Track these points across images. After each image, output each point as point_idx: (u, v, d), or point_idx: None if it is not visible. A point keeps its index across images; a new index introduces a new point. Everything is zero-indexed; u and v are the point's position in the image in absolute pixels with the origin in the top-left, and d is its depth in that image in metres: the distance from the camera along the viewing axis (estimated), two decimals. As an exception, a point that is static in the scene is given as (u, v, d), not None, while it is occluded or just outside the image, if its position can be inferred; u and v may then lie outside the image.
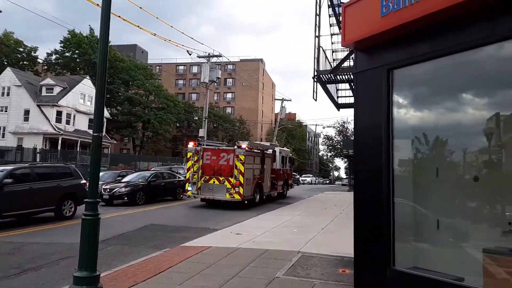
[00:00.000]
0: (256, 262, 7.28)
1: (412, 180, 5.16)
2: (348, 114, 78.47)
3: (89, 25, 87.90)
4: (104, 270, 6.50)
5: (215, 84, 49.13)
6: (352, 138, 50.80)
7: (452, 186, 4.82)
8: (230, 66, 79.35)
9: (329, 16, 17.02)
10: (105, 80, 5.86)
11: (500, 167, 4.38)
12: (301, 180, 61.60)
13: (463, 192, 4.68)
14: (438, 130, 4.90)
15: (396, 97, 5.08)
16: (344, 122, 64.72)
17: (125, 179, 19.91)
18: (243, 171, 17.52)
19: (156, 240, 9.76)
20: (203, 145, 19.41)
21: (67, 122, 41.62)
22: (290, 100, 71.23)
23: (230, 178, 17.55)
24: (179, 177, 22.58)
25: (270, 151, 22.41)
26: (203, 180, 18.06)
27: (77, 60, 54.46)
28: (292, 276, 6.43)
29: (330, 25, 17.63)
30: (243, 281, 6.13)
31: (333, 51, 17.69)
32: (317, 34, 14.97)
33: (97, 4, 14.28)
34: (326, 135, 73.69)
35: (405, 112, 5.24)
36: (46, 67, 57.34)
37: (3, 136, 41.35)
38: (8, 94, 41.69)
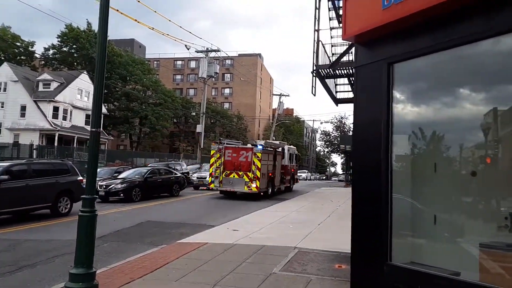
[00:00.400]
0: (253, 258, 7.27)
1: (410, 175, 5.14)
2: (346, 109, 78.87)
3: (87, 19, 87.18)
4: (100, 267, 6.47)
5: (213, 79, 49.12)
6: (350, 134, 51.07)
7: (450, 181, 4.80)
8: (228, 61, 79.14)
9: (329, 9, 16.91)
10: (104, 75, 5.82)
11: (498, 162, 4.37)
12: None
13: (461, 187, 4.67)
14: (437, 125, 4.88)
15: (396, 91, 5.05)
16: (341, 118, 64.93)
17: (121, 176, 19.87)
18: (259, 167, 20.02)
19: (152, 237, 9.74)
20: (224, 144, 21.54)
21: (64, 118, 41.46)
22: (288, 96, 71.62)
23: (248, 173, 20.04)
24: (176, 174, 22.53)
25: (280, 149, 24.90)
26: (224, 175, 20.45)
27: (75, 55, 54.25)
28: (289, 271, 6.43)
29: (330, 19, 17.53)
30: (240, 277, 6.12)
31: (332, 45, 17.61)
32: (316, 28, 14.88)
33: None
34: (323, 130, 73.77)
35: (404, 107, 5.20)
36: (43, 62, 57.13)
37: (-1, 132, 41.25)
38: (4, 90, 41.52)
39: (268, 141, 27.83)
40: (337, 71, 16.37)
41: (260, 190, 20.26)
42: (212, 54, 39.34)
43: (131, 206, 15.88)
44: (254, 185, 19.92)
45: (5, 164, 12.32)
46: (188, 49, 33.88)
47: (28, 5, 61.10)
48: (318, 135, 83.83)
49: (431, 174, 4.93)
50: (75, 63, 53.77)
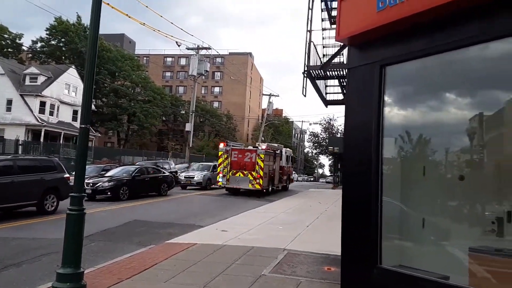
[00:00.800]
0: (242, 259, 7.25)
1: (399, 179, 5.18)
2: (335, 111, 78.86)
3: (77, 12, 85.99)
4: (88, 267, 6.38)
5: (203, 77, 48.82)
6: (338, 135, 51.43)
7: (439, 185, 4.86)
8: (218, 59, 78.88)
9: (321, 10, 16.96)
10: (94, 70, 5.76)
11: (485, 166, 4.43)
12: None
13: (449, 191, 4.72)
14: (427, 129, 4.93)
15: (388, 94, 5.08)
16: (330, 119, 65.26)
17: (108, 174, 19.64)
18: (262, 167, 22.56)
19: (140, 237, 9.64)
20: (231, 146, 24.30)
21: (51, 114, 40.76)
22: (278, 96, 71.47)
23: (252, 172, 22.57)
24: (164, 173, 22.37)
25: (278, 151, 27.43)
26: (231, 174, 22.99)
27: (63, 48, 53.41)
28: (278, 273, 6.42)
29: (322, 20, 17.58)
30: (230, 279, 6.09)
31: (323, 47, 17.67)
32: (309, 29, 14.91)
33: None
34: (312, 132, 74.06)
35: (395, 110, 5.24)
36: (30, 55, 56.11)
37: (-16, 127, 40.40)
38: (-10, 83, 40.67)
39: (269, 144, 30.15)
40: (328, 73, 16.44)
41: (262, 188, 22.69)
42: (203, 52, 39.18)
43: (118, 205, 15.72)
44: (257, 183, 22.43)
45: (-10, 160, 12.08)
46: (179, 45, 33.63)
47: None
48: (306, 136, 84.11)
49: (420, 177, 4.98)
50: (63, 57, 52.95)
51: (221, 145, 24.26)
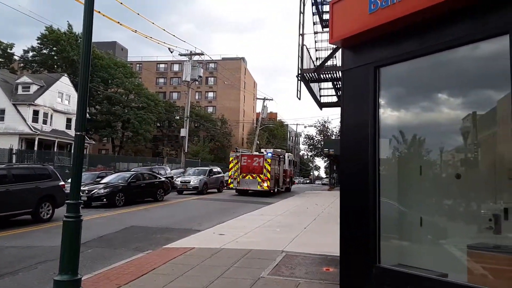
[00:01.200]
0: (240, 262, 7.23)
1: (396, 179, 5.21)
2: (329, 114, 79.63)
3: (67, 21, 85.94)
4: (85, 274, 6.32)
5: (197, 83, 48.92)
6: (333, 138, 51.66)
7: (435, 184, 4.89)
8: (211, 65, 78.99)
9: (313, 14, 17.08)
10: (88, 78, 5.75)
11: (480, 164, 4.47)
12: None
13: (446, 190, 4.75)
14: (421, 129, 4.96)
15: (383, 95, 5.11)
16: (325, 122, 65.39)
17: (104, 180, 19.51)
18: (269, 170, 25.37)
19: (137, 242, 9.59)
20: (240, 152, 27.53)
21: (44, 122, 40.54)
22: (272, 100, 71.30)
23: (260, 175, 25.34)
24: (160, 178, 22.27)
25: (282, 156, 30.45)
26: (241, 177, 25.81)
27: (55, 57, 53.21)
28: (277, 275, 6.41)
29: (314, 23, 17.70)
30: (228, 282, 6.07)
31: (316, 50, 17.77)
32: (301, 32, 15.00)
33: (81, 1, 13.99)
34: (307, 134, 74.14)
35: (389, 111, 5.27)
36: (22, 64, 55.79)
37: (-23, 136, 40.05)
38: (-18, 93, 40.38)
39: (275, 149, 32.27)
40: (321, 75, 16.52)
41: (270, 189, 25.38)
42: (196, 58, 39.22)
43: (114, 211, 15.63)
44: (265, 184, 25.21)
45: (-16, 169, 11.98)
46: (171, 52, 33.67)
47: (7, 6, 59.78)
48: (301, 139, 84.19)
49: (416, 177, 5.01)
50: (55, 66, 52.72)
51: (232, 153, 27.75)
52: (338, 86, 17.50)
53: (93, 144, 52.10)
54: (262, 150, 30.75)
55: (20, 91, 40.56)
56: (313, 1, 16.26)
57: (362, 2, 4.94)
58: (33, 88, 40.72)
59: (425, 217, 4.77)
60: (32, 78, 42.13)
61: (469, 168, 4.54)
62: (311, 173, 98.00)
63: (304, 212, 15.81)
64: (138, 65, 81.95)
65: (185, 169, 33.53)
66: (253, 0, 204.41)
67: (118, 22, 22.93)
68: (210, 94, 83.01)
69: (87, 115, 38.57)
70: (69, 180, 16.27)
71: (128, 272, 6.59)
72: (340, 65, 12.73)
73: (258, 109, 66.69)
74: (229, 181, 26.74)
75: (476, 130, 4.42)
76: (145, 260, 7.44)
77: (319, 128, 66.29)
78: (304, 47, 15.40)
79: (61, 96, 43.22)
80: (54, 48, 51.96)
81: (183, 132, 38.97)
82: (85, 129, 5.84)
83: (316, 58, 17.39)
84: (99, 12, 18.06)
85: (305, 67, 15.48)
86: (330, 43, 6.25)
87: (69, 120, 43.79)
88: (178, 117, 59.63)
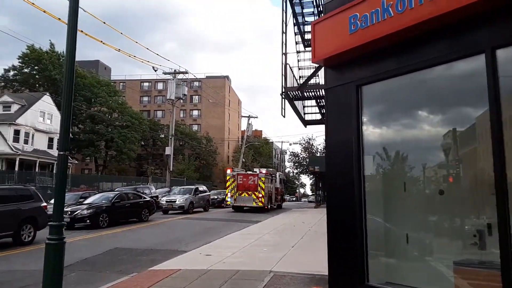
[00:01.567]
0: (229, 283, 7.14)
1: (381, 196, 5.26)
2: (314, 131, 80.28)
3: (49, 40, 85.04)
4: (68, 298, 6.16)
5: (181, 101, 48.87)
6: (318, 155, 51.91)
7: (420, 200, 4.95)
8: (196, 83, 79.15)
9: (295, 34, 17.42)
10: (72, 97, 5.73)
11: (462, 180, 4.56)
12: None
13: (430, 206, 4.81)
14: (404, 145, 5.05)
15: (365, 113, 5.20)
16: (309, 139, 65.74)
17: (87, 201, 19.13)
18: (264, 188, 27.69)
19: (122, 264, 9.38)
20: (236, 172, 29.42)
21: (25, 142, 39.79)
22: (257, 117, 71.66)
23: (255, 192, 27.52)
24: (144, 198, 21.97)
25: (274, 174, 33.07)
26: (237, 194, 27.85)
27: (37, 76, 52.54)
28: (266, 296, 6.33)
29: (296, 43, 18.04)
30: (216, 304, 5.97)
31: (299, 68, 18.05)
32: (284, 51, 15.24)
33: (64, 22, 14.05)
34: (292, 152, 74.31)
35: (371, 128, 5.36)
36: (3, 83, 54.97)
37: (-45, 157, 38.98)
38: (-39, 113, 39.53)
39: (269, 169, 35.33)
40: (305, 93, 16.73)
41: (264, 205, 27.51)
42: (180, 76, 39.31)
43: (98, 233, 15.30)
44: (260, 201, 27.27)
45: (-37, 191, 11.65)
46: (155, 70, 33.72)
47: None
48: (287, 157, 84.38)
49: (401, 193, 5.07)
50: (37, 85, 52.06)
51: (228, 171, 29.56)
52: (322, 104, 17.75)
53: (75, 163, 51.23)
54: (255, 169, 32.12)
55: (0, 111, 39.85)
56: (294, 22, 16.61)
57: (342, 22, 5.08)
58: (14, 107, 40.08)
59: (411, 233, 4.81)
60: (13, 97, 41.50)
61: (451, 184, 4.62)
62: (297, 191, 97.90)
63: (291, 230, 15.75)
64: (121, 83, 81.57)
65: (170, 188, 33.17)
66: (235, 21, 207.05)
67: (101, 41, 22.95)
68: (195, 112, 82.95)
69: (70, 135, 37.96)
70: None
71: (113, 296, 6.43)
72: (323, 83, 12.96)
73: (243, 127, 66.88)
74: (226, 198, 29.38)
75: (457, 146, 4.53)
76: (130, 283, 7.28)
77: (304, 145, 66.60)
78: (287, 65, 15.62)
79: (43, 115, 42.61)
80: (36, 67, 51.35)
81: (168, 150, 38.72)
82: (68, 148, 5.78)
83: (300, 77, 17.65)
84: (81, 31, 18.02)
85: (288, 85, 15.68)
86: (312, 62, 6.37)
87: (51, 140, 43.09)
88: (163, 136, 59.18)
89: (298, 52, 18.12)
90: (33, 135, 40.88)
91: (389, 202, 5.16)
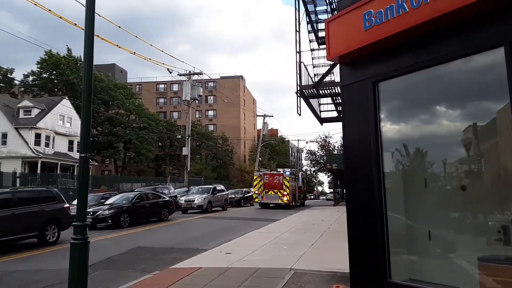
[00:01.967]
0: (249, 281, 7.19)
1: (402, 192, 5.22)
2: (330, 129, 79.69)
3: (67, 45, 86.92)
4: (94, 297, 6.31)
5: (197, 101, 49.18)
6: (335, 152, 51.79)
7: (441, 196, 4.90)
8: (210, 84, 79.56)
9: (308, 32, 17.36)
10: (91, 100, 5.88)
11: (484, 175, 4.50)
12: None
13: (452, 202, 4.76)
14: (423, 141, 5.01)
15: (383, 109, 5.17)
16: (326, 137, 65.30)
17: (108, 201, 19.50)
18: (288, 186, 30.08)
19: (144, 263, 9.55)
20: (262, 172, 32.41)
21: (46, 145, 40.69)
22: (272, 116, 71.41)
23: (281, 190, 30.02)
24: (164, 198, 22.24)
25: (297, 174, 36.09)
26: (264, 192, 30.37)
27: (55, 81, 53.69)
28: (287, 293, 6.37)
29: (310, 41, 17.99)
30: (238, 301, 6.04)
31: (314, 66, 17.99)
32: (298, 50, 15.23)
33: (80, 27, 14.24)
34: (309, 150, 73.94)
35: (390, 125, 5.32)
36: (23, 89, 56.32)
37: (-20, 161, 40.11)
38: (-16, 118, 40.62)
39: (293, 169, 39.65)
40: (320, 91, 16.68)
41: (289, 202, 29.96)
42: (195, 77, 39.58)
43: (120, 233, 15.58)
44: (285, 198, 29.85)
45: (-11, 193, 12.01)
46: (170, 72, 34.13)
47: (6, 32, 60.79)
48: (303, 155, 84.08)
49: (422, 190, 5.03)
50: (56, 89, 53.17)
51: (255, 172, 33.39)
52: (338, 101, 17.66)
53: (95, 165, 52.12)
54: (279, 169, 34.82)
55: (21, 115, 40.85)
56: (308, 20, 16.57)
57: (357, 19, 5.06)
58: (35, 111, 41.03)
59: (433, 230, 4.76)
60: (33, 102, 42.50)
61: (473, 179, 4.56)
62: (315, 189, 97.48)
63: (310, 229, 15.73)
64: (138, 86, 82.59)
65: (188, 188, 33.48)
66: (247, 21, 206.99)
67: (117, 45, 23.39)
68: (211, 113, 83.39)
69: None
70: (73, 202, 16.25)
71: (137, 294, 6.56)
72: (338, 80, 12.90)
73: (259, 126, 66.93)
74: (254, 196, 31.93)
75: (478, 141, 4.47)
76: (153, 281, 7.41)
77: (320, 143, 66.19)
78: (302, 64, 15.61)
79: (63, 119, 43.50)
80: (54, 72, 52.47)
81: (185, 150, 39.06)
82: (90, 150, 5.93)
83: (314, 75, 17.60)
84: (97, 35, 18.33)
85: (303, 83, 15.66)
86: (327, 60, 6.35)
87: (71, 142, 43.96)
88: (179, 136, 59.72)
89: (312, 50, 18.07)
90: (53, 138, 41.77)
91: (410, 199, 5.12)
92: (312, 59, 18.02)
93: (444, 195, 4.88)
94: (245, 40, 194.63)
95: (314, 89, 15.84)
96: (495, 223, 4.22)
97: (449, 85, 4.66)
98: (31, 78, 53.84)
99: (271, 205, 30.43)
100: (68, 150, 43.50)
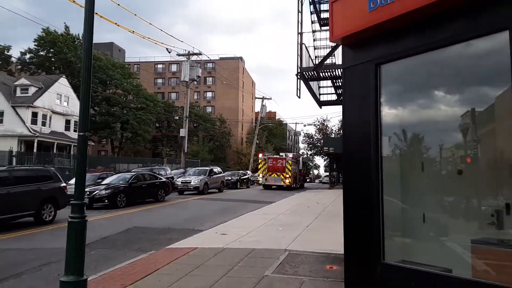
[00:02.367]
0: (244, 261, 7.27)
1: (398, 176, 5.24)
2: (328, 112, 79.54)
3: (64, 23, 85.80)
4: (90, 275, 6.35)
5: (195, 83, 48.91)
6: (332, 136, 51.95)
7: (437, 180, 4.92)
8: (209, 65, 78.92)
9: (311, 13, 17.12)
10: (90, 79, 5.80)
11: (481, 160, 4.50)
12: None
13: (448, 186, 4.79)
14: (422, 126, 4.99)
15: (383, 93, 5.14)
16: (324, 120, 65.21)
17: (105, 181, 19.55)
18: (290, 169, 32.74)
19: (140, 243, 9.62)
20: (266, 156, 35.28)
21: (43, 124, 40.50)
22: (270, 99, 71.08)
23: (283, 173, 32.60)
24: (160, 179, 22.29)
25: (298, 158, 38.89)
26: (268, 175, 32.95)
27: (52, 59, 53.07)
28: (281, 274, 6.45)
29: (312, 22, 17.73)
30: (233, 281, 6.11)
31: (315, 48, 17.79)
32: (299, 31, 15.03)
33: (79, 4, 14.09)
34: (306, 133, 73.93)
35: (389, 109, 5.30)
36: (20, 66, 55.71)
37: (-24, 139, 39.95)
38: (-20, 96, 40.30)
39: (294, 153, 42.23)
40: (321, 74, 16.54)
41: (290, 184, 32.39)
42: (194, 58, 39.22)
43: (116, 212, 15.66)
44: (287, 181, 32.33)
45: (-15, 171, 11.98)
46: (169, 52, 34.12)
47: (4, 8, 59.71)
48: (301, 138, 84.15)
49: (418, 174, 5.04)
50: (53, 68, 52.62)
51: (260, 155, 35.46)
52: (338, 84, 17.54)
53: (92, 145, 52.10)
54: (282, 154, 37.86)
55: (18, 93, 40.50)
56: (310, 1, 16.30)
57: (361, 0, 4.97)
58: (32, 90, 40.66)
59: (428, 213, 4.80)
60: (30, 80, 42.06)
61: (469, 164, 4.57)
62: (311, 172, 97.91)
63: (305, 211, 15.86)
64: (136, 65, 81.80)
65: (185, 169, 33.58)
66: (247, 1, 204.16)
67: (116, 23, 23.03)
68: (209, 94, 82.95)
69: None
70: (70, 182, 16.25)
71: (133, 272, 6.63)
72: (339, 63, 12.76)
73: (257, 108, 66.72)
74: (258, 178, 34.55)
75: (475, 126, 4.46)
76: (148, 261, 7.48)
77: (318, 126, 66.14)
78: (303, 45, 15.43)
79: (60, 98, 43.17)
80: (51, 50, 51.80)
81: (183, 132, 39.01)
82: (88, 129, 5.88)
83: (315, 57, 17.42)
84: (96, 13, 18.03)
85: (304, 65, 15.51)
86: (330, 41, 6.26)
87: (68, 122, 43.81)
88: (177, 117, 59.57)
89: (313, 31, 17.83)
90: (50, 117, 41.56)
91: (406, 182, 5.14)
92: (314, 40, 17.77)
93: (439, 180, 4.90)
94: (244, 21, 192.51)
95: (314, 71, 15.70)
96: (488, 207, 4.25)
97: (449, 69, 4.62)
98: (28, 55, 53.19)
99: (273, 186, 32.54)
100: (65, 130, 43.36)
